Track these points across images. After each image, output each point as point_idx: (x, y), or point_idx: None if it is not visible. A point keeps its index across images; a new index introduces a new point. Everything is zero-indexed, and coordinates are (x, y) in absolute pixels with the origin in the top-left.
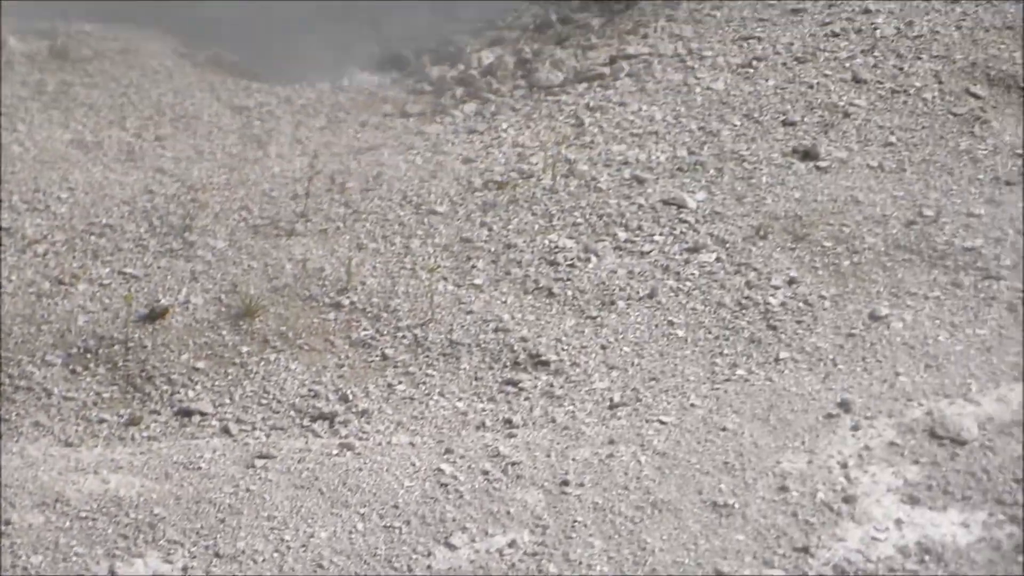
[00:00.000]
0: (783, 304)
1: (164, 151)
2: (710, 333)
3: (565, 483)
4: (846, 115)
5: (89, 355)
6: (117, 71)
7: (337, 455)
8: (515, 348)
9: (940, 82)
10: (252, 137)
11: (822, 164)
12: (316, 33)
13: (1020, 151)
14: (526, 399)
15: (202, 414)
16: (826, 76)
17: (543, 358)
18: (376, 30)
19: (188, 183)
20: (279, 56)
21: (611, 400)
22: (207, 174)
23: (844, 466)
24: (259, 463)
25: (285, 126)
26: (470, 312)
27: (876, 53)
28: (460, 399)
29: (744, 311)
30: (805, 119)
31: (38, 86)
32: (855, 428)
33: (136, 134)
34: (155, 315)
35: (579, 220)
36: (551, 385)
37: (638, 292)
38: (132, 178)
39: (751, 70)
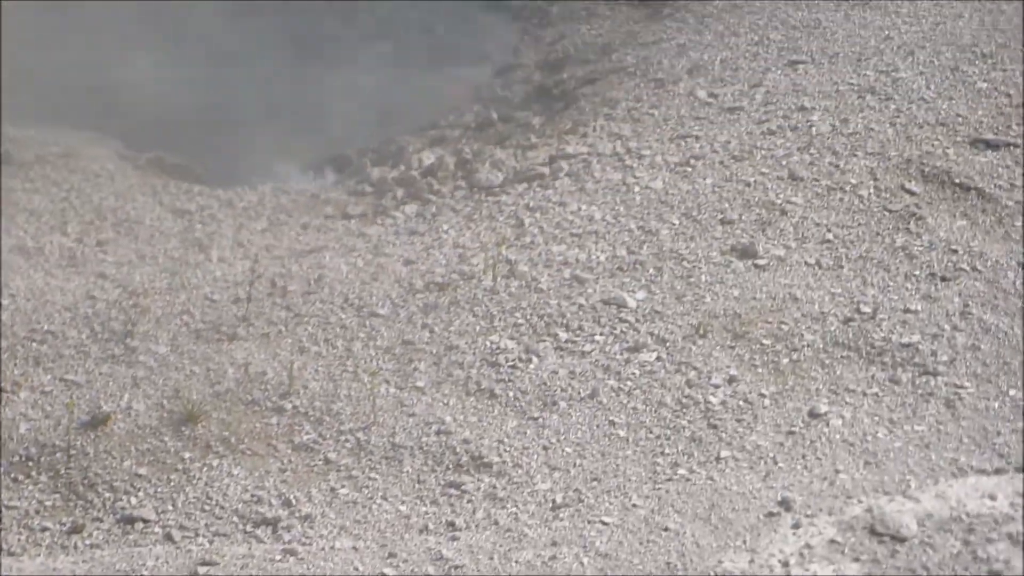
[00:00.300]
0: (723, 403)
1: (106, 256)
2: (651, 433)
3: None
4: (783, 213)
5: (31, 463)
6: (59, 175)
7: (280, 560)
8: (457, 450)
9: (875, 179)
10: (194, 241)
11: (760, 262)
12: (257, 134)
13: (955, 247)
14: (469, 501)
15: (145, 521)
16: (763, 174)
17: (485, 460)
18: (318, 131)
19: (130, 288)
20: (221, 158)
21: (553, 501)
22: (149, 279)
23: (785, 564)
24: (202, 570)
25: (227, 229)
26: (412, 415)
27: (812, 150)
28: (403, 502)
29: (685, 410)
30: (743, 217)
31: None
32: (796, 526)
33: (78, 239)
34: (97, 422)
35: (520, 321)
36: (494, 487)
37: (579, 392)
38: (73, 284)
39: (689, 169)
